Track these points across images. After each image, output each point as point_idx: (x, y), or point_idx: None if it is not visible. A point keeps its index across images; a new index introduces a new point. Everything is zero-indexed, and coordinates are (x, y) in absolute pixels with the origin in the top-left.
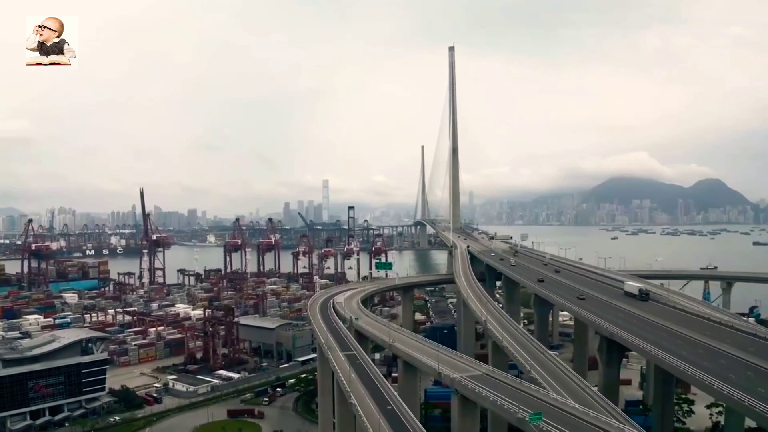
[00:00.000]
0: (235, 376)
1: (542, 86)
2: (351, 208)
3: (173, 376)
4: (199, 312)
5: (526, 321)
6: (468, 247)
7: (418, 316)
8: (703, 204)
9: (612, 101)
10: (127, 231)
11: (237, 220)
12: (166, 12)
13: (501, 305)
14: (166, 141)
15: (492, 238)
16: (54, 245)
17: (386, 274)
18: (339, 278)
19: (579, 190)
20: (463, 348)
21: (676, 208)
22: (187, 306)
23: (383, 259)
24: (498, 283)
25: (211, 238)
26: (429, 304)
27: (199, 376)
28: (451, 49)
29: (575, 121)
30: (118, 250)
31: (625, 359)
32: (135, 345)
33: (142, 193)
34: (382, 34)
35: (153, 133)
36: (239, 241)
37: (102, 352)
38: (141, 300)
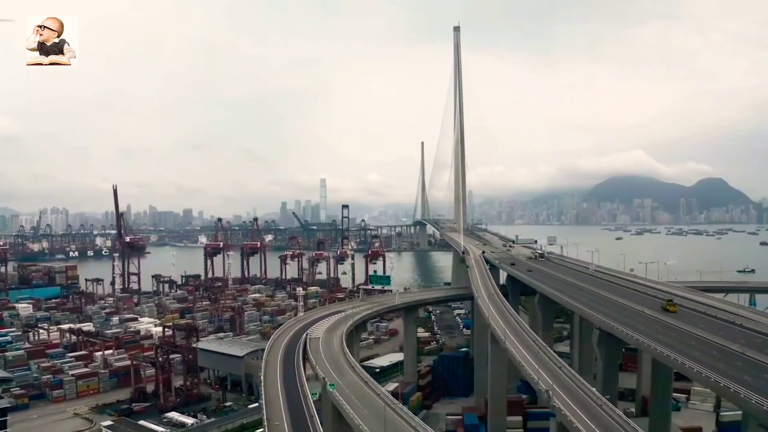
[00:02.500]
0: (189, 421)
1: (535, 84)
2: (345, 206)
3: (108, 422)
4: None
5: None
6: (483, 253)
7: (421, 331)
8: (705, 203)
9: (606, 99)
10: (114, 231)
11: (219, 220)
12: (154, 9)
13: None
14: (158, 140)
15: (513, 243)
16: (35, 247)
17: (382, 288)
18: (331, 285)
19: (579, 190)
20: (489, 391)
21: (678, 207)
22: (152, 320)
23: (380, 266)
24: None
25: (203, 239)
26: (433, 317)
27: (142, 422)
28: (456, 29)
29: (570, 119)
30: (103, 252)
31: (684, 395)
32: (72, 375)
33: (115, 191)
34: (374, 30)
35: (144, 132)
36: (221, 244)
37: (1, 398)
38: (102, 312)
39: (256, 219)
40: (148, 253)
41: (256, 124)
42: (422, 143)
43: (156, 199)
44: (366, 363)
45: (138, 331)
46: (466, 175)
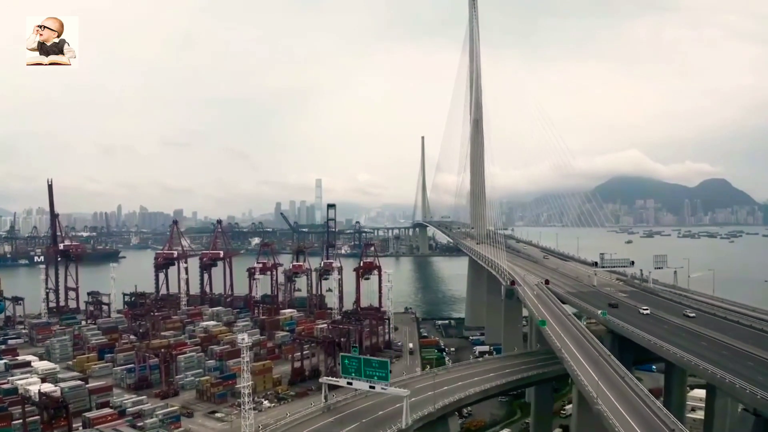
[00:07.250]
0: None
1: (526, 82)
2: (331, 206)
3: None
4: (50, 386)
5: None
6: (547, 283)
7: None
8: (709, 204)
9: (599, 97)
10: (85, 234)
11: (175, 222)
12: (135, 4)
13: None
14: (141, 138)
15: (596, 264)
16: None
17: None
18: (314, 305)
19: (579, 190)
20: None
21: (681, 208)
22: (51, 367)
23: (375, 280)
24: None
25: (185, 242)
26: (445, 354)
27: None
28: None
29: (563, 118)
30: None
31: None
32: None
33: (50, 187)
34: (359, 26)
35: (126, 130)
36: (174, 253)
37: None
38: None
39: (219, 221)
40: (123, 257)
41: (244, 123)
42: (422, 138)
43: (146, 199)
44: None
45: (14, 390)
46: (484, 166)
